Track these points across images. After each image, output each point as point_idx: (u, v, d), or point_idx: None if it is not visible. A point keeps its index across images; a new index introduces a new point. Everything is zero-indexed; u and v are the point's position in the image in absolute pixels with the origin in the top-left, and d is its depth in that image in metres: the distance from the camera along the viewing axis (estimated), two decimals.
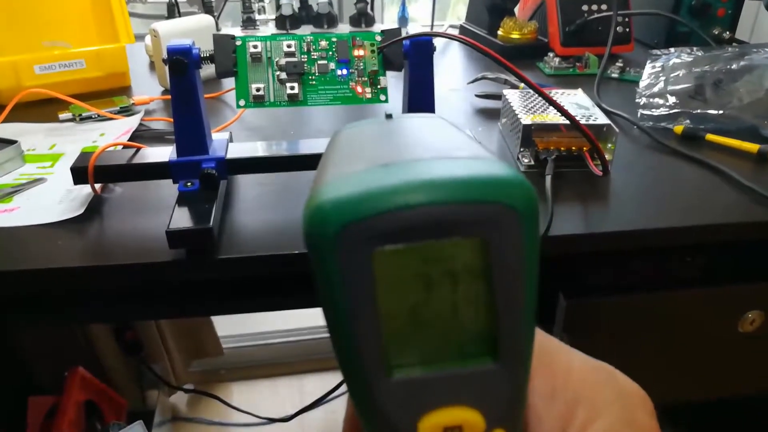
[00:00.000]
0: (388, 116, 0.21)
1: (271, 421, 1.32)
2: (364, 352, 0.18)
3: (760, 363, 0.65)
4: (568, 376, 0.21)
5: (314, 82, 0.54)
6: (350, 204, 0.16)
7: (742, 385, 0.67)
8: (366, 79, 0.55)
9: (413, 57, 0.55)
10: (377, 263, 0.17)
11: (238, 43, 0.54)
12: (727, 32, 0.93)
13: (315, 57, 0.54)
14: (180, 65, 0.50)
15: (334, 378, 1.41)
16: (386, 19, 1.25)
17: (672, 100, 0.71)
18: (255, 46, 0.53)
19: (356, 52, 0.55)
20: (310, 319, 1.53)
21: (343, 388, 1.36)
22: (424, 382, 0.18)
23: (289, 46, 0.54)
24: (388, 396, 0.18)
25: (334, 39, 0.55)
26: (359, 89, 0.55)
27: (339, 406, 1.37)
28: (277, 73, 0.54)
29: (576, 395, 0.20)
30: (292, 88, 0.54)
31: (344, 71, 0.55)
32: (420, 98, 0.57)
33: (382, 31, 0.56)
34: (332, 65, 0.54)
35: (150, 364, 1.28)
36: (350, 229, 0.16)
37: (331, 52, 0.55)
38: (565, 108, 0.55)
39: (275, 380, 1.46)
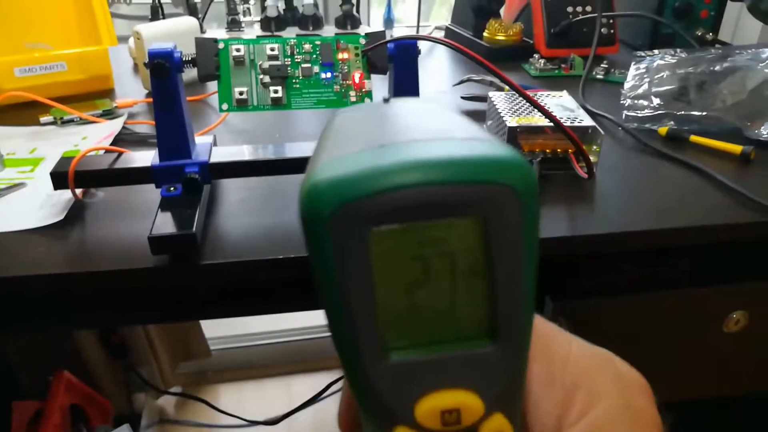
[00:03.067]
0: (386, 100, 0.21)
1: (258, 423, 1.31)
2: (360, 334, 0.17)
3: (745, 362, 0.65)
4: (566, 362, 0.21)
5: (298, 86, 0.54)
6: (345, 183, 0.16)
7: (727, 384, 0.67)
8: (350, 82, 0.55)
9: (398, 60, 0.55)
10: (373, 243, 0.17)
11: (221, 46, 0.53)
12: (710, 33, 0.94)
13: (299, 60, 0.54)
14: (161, 69, 0.50)
15: (323, 379, 1.40)
16: (372, 21, 1.24)
17: (656, 101, 0.71)
18: (238, 50, 0.53)
19: (340, 56, 0.55)
20: (298, 320, 1.53)
21: (332, 389, 1.36)
22: (421, 364, 0.18)
23: (272, 50, 0.54)
24: (384, 378, 0.18)
25: (317, 42, 0.54)
26: (347, 93, 0.55)
27: (327, 407, 1.37)
28: (261, 76, 0.53)
29: (574, 381, 0.20)
30: (276, 91, 0.53)
31: (328, 74, 0.54)
32: None
33: (366, 34, 0.55)
34: (316, 68, 0.54)
35: (137, 367, 1.27)
36: (345, 208, 0.16)
37: (315, 55, 0.54)
38: (550, 110, 0.55)
39: (263, 382, 1.46)
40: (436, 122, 0.20)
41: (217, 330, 1.49)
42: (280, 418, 1.30)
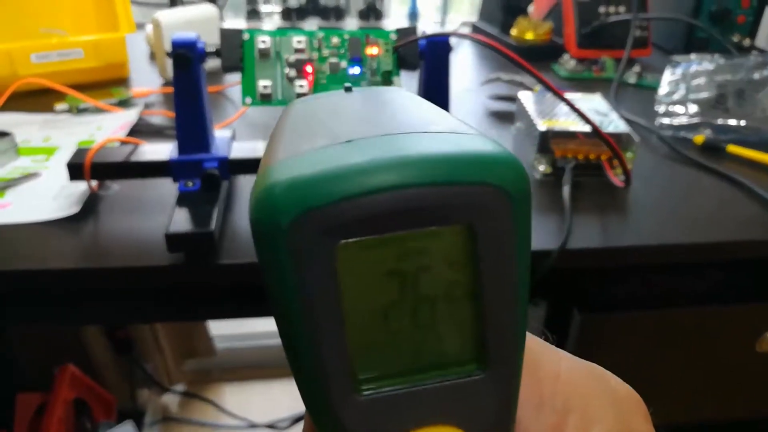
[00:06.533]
0: (348, 89, 0.18)
1: (263, 426, 1.30)
2: (327, 367, 0.15)
3: None
4: (556, 382, 0.19)
5: (324, 81, 0.52)
6: (308, 187, 0.14)
7: (758, 406, 0.65)
8: (379, 78, 0.52)
9: (430, 57, 0.53)
10: (341, 259, 0.14)
11: (246, 37, 0.51)
12: (747, 39, 0.91)
13: (326, 54, 0.52)
14: (184, 60, 0.47)
15: None
16: (394, 14, 1.22)
17: (693, 108, 0.68)
18: (264, 41, 0.51)
19: (369, 51, 0.52)
20: None
21: None
22: (398, 398, 0.16)
23: (299, 42, 0.51)
24: (357, 417, 0.15)
25: (346, 36, 0.52)
26: None
27: None
28: (286, 70, 0.51)
29: (566, 403, 0.18)
30: (302, 86, 0.51)
31: (357, 70, 0.52)
32: (435, 99, 0.54)
33: (397, 29, 0.53)
34: (344, 63, 0.52)
35: (142, 363, 1.25)
36: (308, 217, 0.13)
37: (342, 50, 0.52)
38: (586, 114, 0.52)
39: (269, 382, 1.44)
40: (410, 113, 0.17)
41: (223, 328, 1.47)
42: (287, 423, 1.28)
